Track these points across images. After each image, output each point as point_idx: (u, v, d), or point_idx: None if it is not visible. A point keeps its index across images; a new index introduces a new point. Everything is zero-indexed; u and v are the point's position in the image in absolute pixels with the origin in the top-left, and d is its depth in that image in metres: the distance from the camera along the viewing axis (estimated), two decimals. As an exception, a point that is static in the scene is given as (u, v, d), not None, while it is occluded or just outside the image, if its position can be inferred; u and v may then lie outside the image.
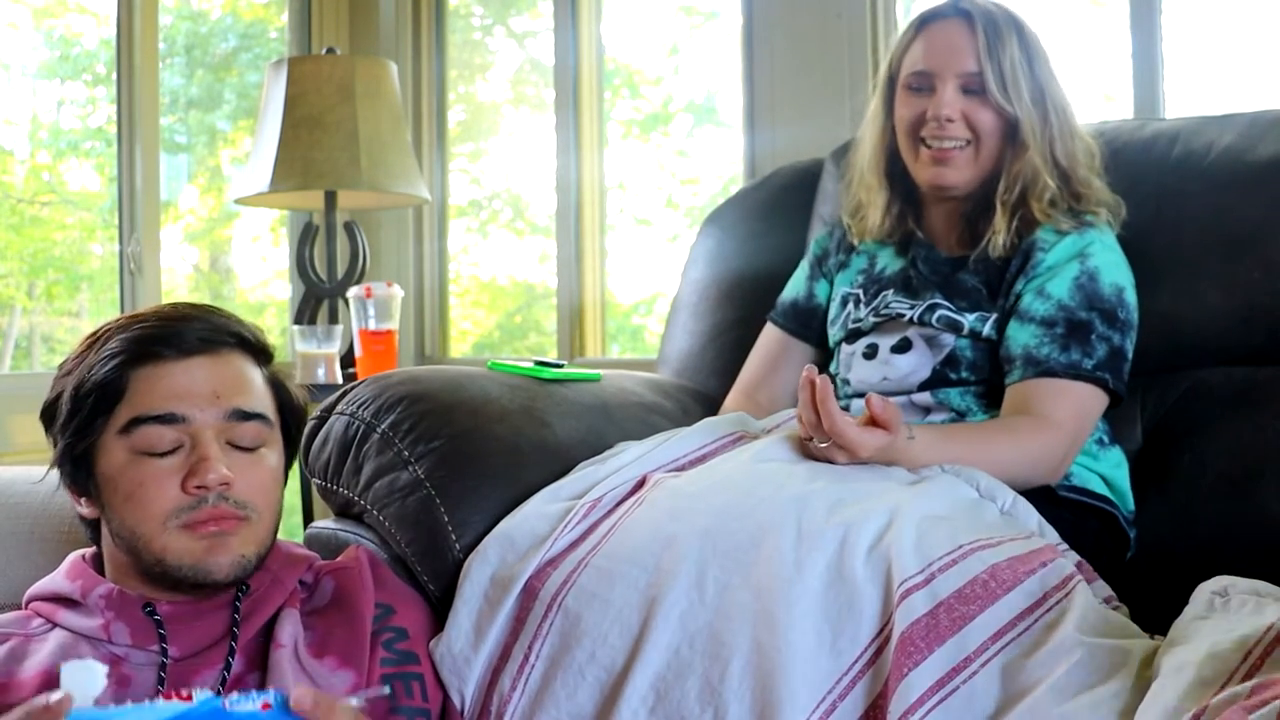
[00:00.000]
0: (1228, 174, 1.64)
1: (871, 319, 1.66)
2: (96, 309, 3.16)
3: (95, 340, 1.18)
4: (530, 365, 1.70)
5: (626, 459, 1.41)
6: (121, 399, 1.13)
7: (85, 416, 1.14)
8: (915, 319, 1.60)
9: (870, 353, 1.64)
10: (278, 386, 1.23)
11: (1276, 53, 2.30)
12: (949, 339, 1.58)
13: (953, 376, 1.58)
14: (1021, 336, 1.52)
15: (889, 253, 1.71)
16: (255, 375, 1.20)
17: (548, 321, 3.28)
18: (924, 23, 1.63)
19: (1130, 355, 1.53)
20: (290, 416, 1.25)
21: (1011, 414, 1.49)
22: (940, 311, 1.59)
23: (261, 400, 1.19)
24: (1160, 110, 2.26)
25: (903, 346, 1.61)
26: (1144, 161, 1.72)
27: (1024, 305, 1.53)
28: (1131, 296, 1.55)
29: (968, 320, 1.57)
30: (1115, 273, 1.54)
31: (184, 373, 1.14)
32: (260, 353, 1.22)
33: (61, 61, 3.07)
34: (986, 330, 1.56)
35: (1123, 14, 2.29)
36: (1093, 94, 2.52)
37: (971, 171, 1.60)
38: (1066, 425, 1.45)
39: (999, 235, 1.57)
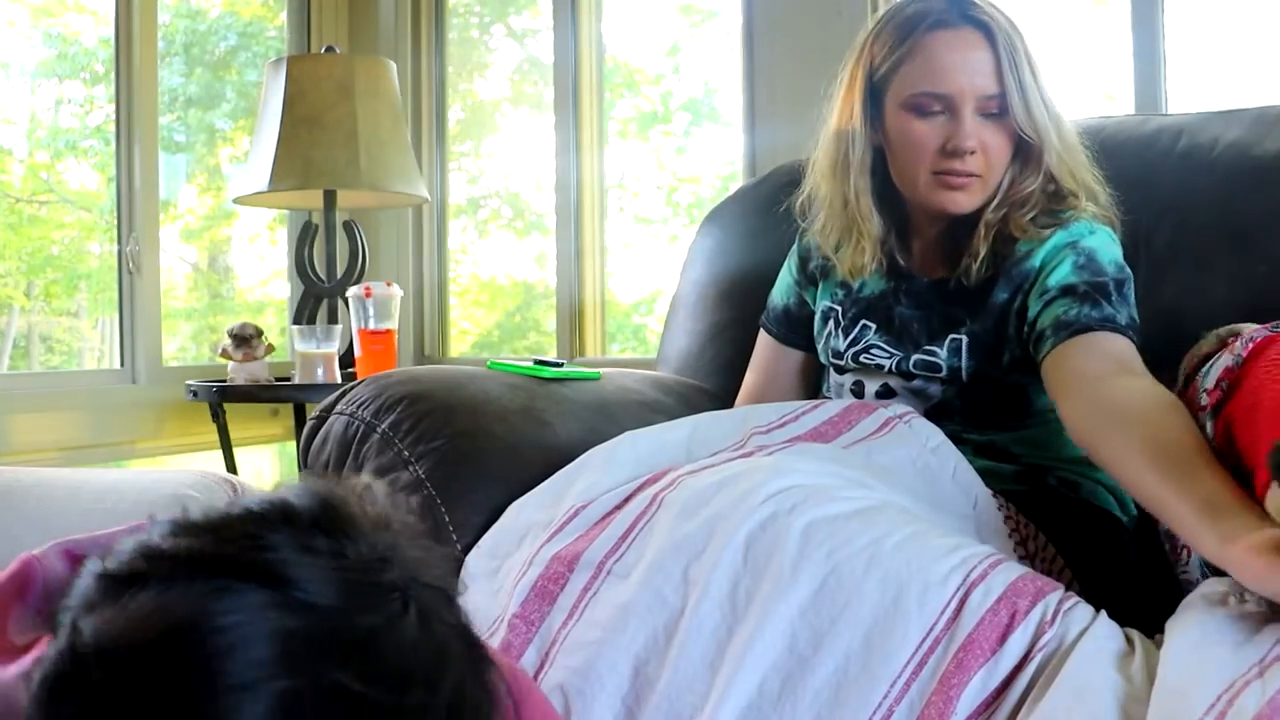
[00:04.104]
0: (1234, 169, 1.63)
1: (851, 362, 1.61)
2: (95, 308, 3.15)
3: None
4: (530, 364, 1.69)
5: (630, 456, 1.39)
6: None
7: None
8: (893, 369, 1.56)
9: (857, 390, 1.61)
10: None
11: (1278, 49, 2.30)
12: (935, 389, 1.54)
13: (945, 420, 1.52)
14: (1049, 313, 1.40)
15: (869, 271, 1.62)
16: None
17: (547, 321, 3.27)
18: (927, 31, 1.46)
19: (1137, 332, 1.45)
20: None
21: (1070, 378, 1.34)
22: (915, 356, 1.54)
23: None
24: (1162, 108, 2.25)
25: (886, 393, 1.57)
26: (1148, 156, 1.71)
27: (1033, 302, 1.44)
28: (1129, 274, 1.47)
29: (942, 357, 1.51)
30: (1112, 252, 1.46)
31: None
32: None
33: (60, 60, 3.06)
34: (964, 362, 1.50)
35: (1124, 11, 2.29)
36: (1094, 92, 2.51)
37: (982, 194, 1.49)
38: (1138, 370, 1.32)
39: (976, 260, 1.48)
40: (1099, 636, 1.05)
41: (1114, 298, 1.40)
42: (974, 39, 1.44)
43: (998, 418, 1.53)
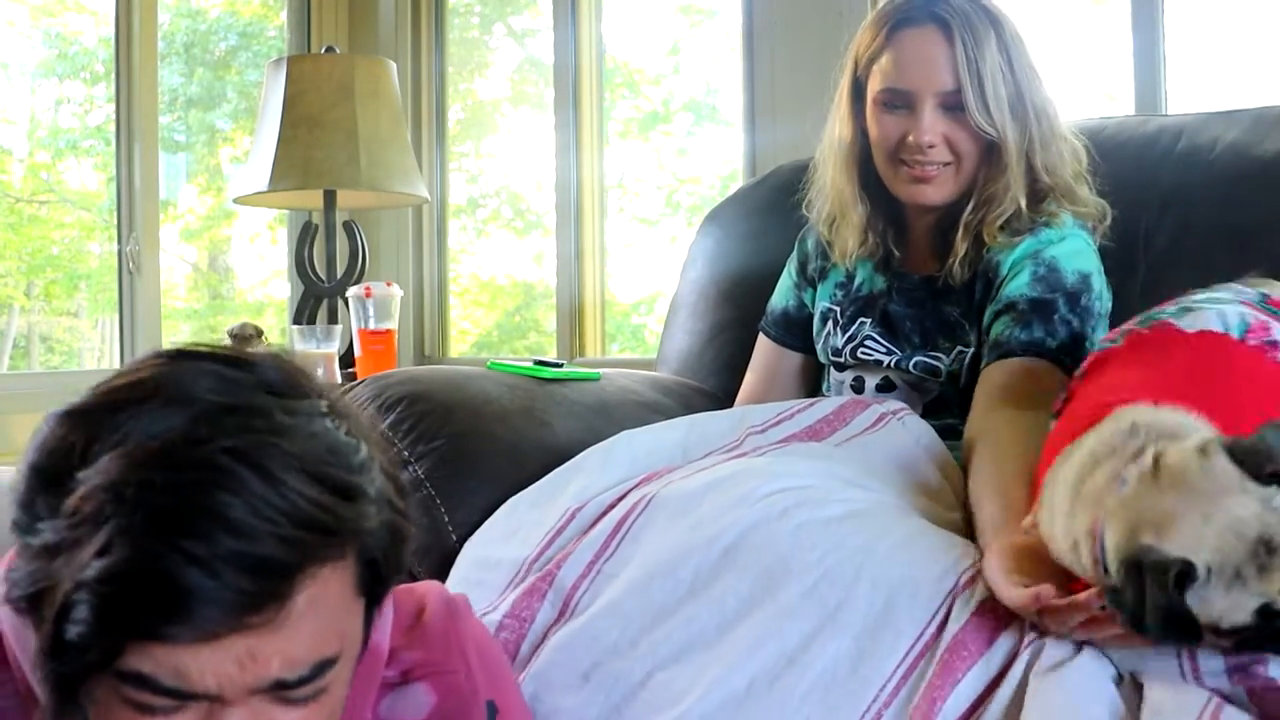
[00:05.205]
0: (1233, 169, 1.63)
1: (849, 358, 1.62)
2: (95, 308, 3.16)
3: (90, 503, 0.71)
4: (530, 365, 1.69)
5: (625, 459, 1.39)
6: (116, 658, 0.72)
7: (68, 650, 0.72)
8: (892, 366, 1.57)
9: (858, 386, 1.62)
10: (374, 571, 0.79)
11: (1278, 50, 2.30)
12: (933, 385, 1.55)
13: (944, 412, 1.54)
14: (992, 330, 1.46)
15: (868, 267, 1.64)
16: (328, 605, 0.75)
17: (547, 321, 3.27)
18: (894, 29, 1.51)
19: (1093, 346, 1.46)
20: (382, 594, 0.82)
21: (981, 398, 1.42)
22: (917, 358, 1.55)
23: (330, 639, 0.76)
24: (1162, 108, 2.25)
25: (886, 386, 1.58)
26: (1148, 156, 1.71)
27: (989, 308, 1.49)
28: (1099, 283, 1.49)
29: (945, 364, 1.53)
30: (1077, 260, 1.47)
31: (204, 652, 0.71)
32: (352, 534, 0.75)
33: (60, 60, 3.06)
34: (964, 372, 1.51)
35: (1124, 11, 2.29)
36: (1095, 92, 2.51)
37: (953, 187, 1.53)
38: (1039, 402, 1.35)
39: (958, 259, 1.51)
40: (1098, 653, 1.05)
41: (1058, 314, 1.43)
42: (934, 35, 1.48)
43: None
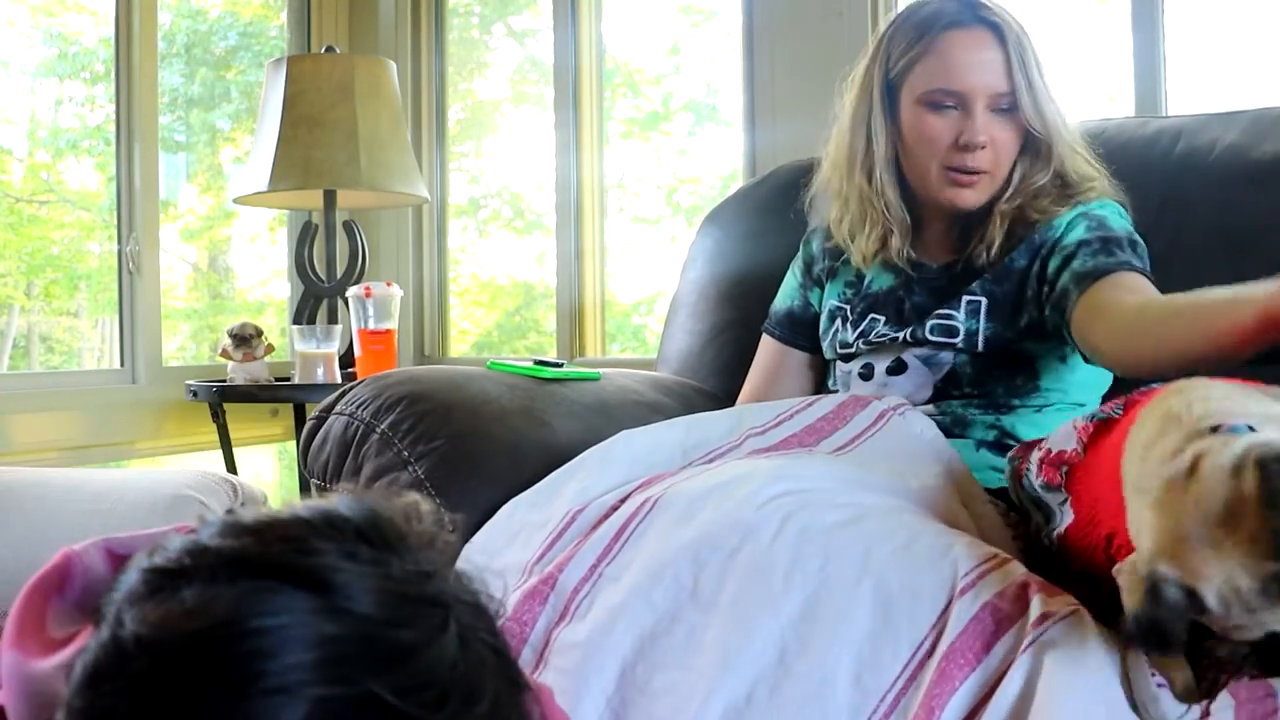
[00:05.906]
0: (1231, 171, 1.64)
1: (860, 345, 1.63)
2: (95, 308, 3.15)
3: None
4: (530, 365, 1.69)
5: (624, 459, 1.39)
6: None
7: None
8: (908, 338, 1.58)
9: (866, 373, 1.62)
10: None
11: (1278, 51, 2.30)
12: (947, 356, 1.56)
13: (955, 393, 1.56)
14: (1068, 271, 1.45)
15: (877, 265, 1.66)
16: None
17: (547, 321, 3.27)
18: (941, 31, 1.53)
19: None
20: None
21: (1088, 324, 1.40)
22: (932, 321, 1.56)
23: None
24: (1162, 109, 2.26)
25: (897, 368, 1.59)
26: (1147, 158, 1.71)
27: (1053, 260, 1.49)
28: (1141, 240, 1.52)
29: (960, 319, 1.54)
30: (1121, 221, 1.52)
31: None
32: None
33: (60, 60, 3.06)
34: (981, 324, 1.53)
35: (1124, 12, 2.29)
36: (1096, 92, 2.51)
37: (989, 191, 1.56)
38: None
39: (992, 246, 1.54)
40: (1106, 660, 1.03)
41: (1126, 249, 1.46)
42: (986, 39, 1.51)
43: (1008, 389, 1.54)
